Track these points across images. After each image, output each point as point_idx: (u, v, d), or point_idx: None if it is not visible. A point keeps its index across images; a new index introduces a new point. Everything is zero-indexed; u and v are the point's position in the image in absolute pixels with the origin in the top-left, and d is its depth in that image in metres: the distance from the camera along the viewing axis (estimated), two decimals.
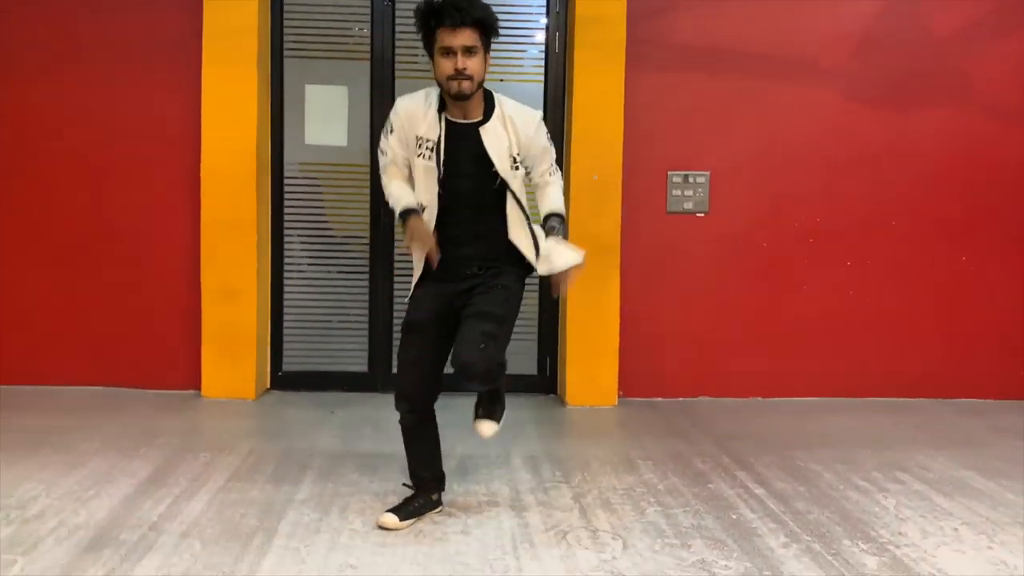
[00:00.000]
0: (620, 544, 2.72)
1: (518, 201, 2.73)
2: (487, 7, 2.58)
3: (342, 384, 4.65)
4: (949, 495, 3.24)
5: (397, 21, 4.55)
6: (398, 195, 2.71)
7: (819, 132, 4.65)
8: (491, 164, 2.65)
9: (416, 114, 2.67)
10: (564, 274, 2.68)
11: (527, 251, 2.75)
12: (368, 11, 4.55)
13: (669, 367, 4.66)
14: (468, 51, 2.55)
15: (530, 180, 2.81)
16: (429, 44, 2.61)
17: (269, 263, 4.59)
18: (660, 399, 4.64)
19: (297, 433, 3.88)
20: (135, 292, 4.50)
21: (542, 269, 2.72)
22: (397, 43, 4.56)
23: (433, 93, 2.70)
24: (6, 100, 4.43)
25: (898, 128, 4.68)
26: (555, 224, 2.73)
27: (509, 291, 2.73)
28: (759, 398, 4.69)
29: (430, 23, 2.56)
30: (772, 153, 4.64)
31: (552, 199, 2.78)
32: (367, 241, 4.64)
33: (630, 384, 4.60)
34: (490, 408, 2.83)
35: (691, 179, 4.63)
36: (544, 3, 4.60)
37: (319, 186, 4.67)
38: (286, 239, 4.64)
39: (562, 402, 4.55)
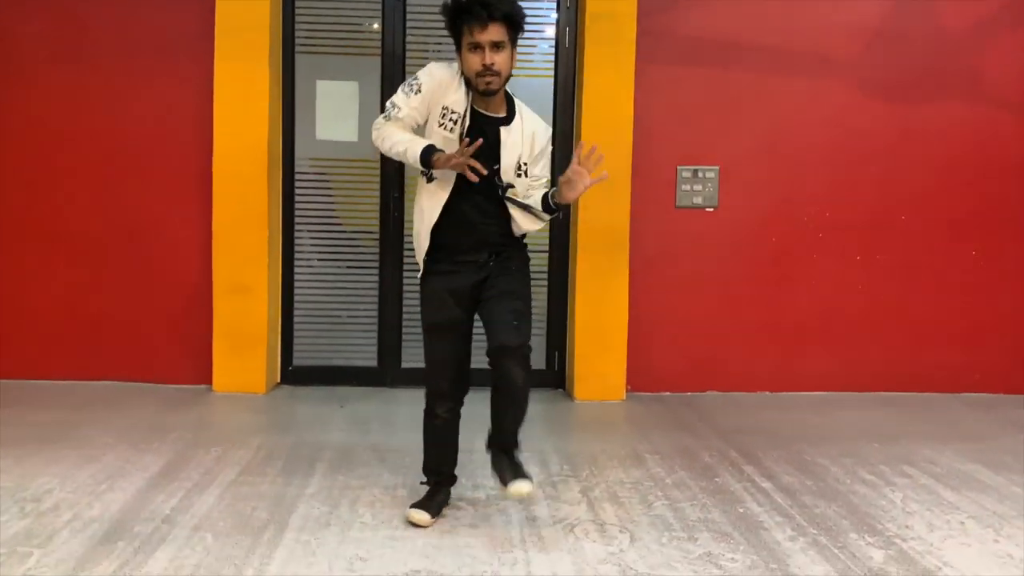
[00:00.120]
0: (627, 537, 2.74)
1: (516, 202, 2.72)
2: (514, 3, 2.58)
3: (352, 379, 4.68)
4: (956, 489, 3.24)
5: (408, 16, 4.57)
6: (408, 139, 2.64)
7: (829, 127, 4.64)
8: (497, 161, 2.66)
9: (449, 83, 2.64)
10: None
11: (537, 212, 2.72)
12: (379, 6, 4.57)
13: (677, 362, 4.67)
14: (496, 46, 2.55)
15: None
16: (457, 39, 2.60)
17: (280, 258, 4.62)
18: (668, 393, 4.66)
19: (307, 427, 3.91)
20: (147, 287, 4.54)
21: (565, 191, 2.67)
22: (408, 39, 4.58)
23: (459, 67, 2.67)
24: (17, 95, 4.47)
25: (908, 123, 4.67)
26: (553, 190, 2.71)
27: (523, 273, 2.77)
28: (767, 393, 4.70)
29: (459, 18, 2.57)
30: (782, 148, 4.64)
31: (543, 191, 2.75)
32: (377, 236, 4.66)
33: (638, 379, 4.62)
34: (515, 465, 2.72)
35: (700, 174, 4.63)
36: None
37: (330, 181, 4.70)
38: (297, 234, 4.68)
39: (570, 396, 4.57)
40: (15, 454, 3.38)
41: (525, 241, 2.84)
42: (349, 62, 4.62)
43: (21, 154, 4.50)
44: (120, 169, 4.51)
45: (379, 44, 4.59)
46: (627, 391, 4.58)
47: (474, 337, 2.83)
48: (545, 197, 2.69)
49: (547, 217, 2.74)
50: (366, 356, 4.71)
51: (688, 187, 4.64)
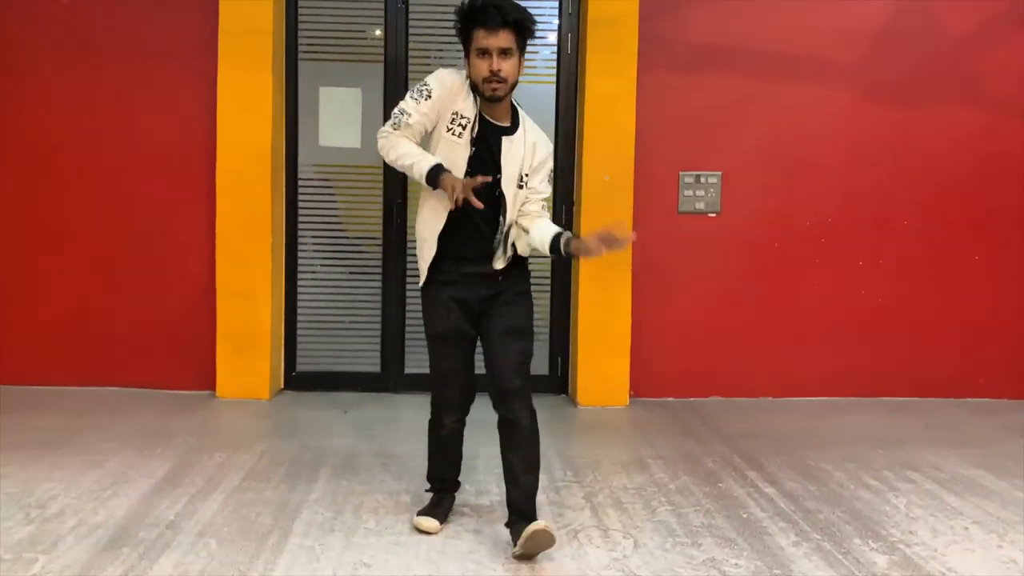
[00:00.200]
0: (631, 543, 2.75)
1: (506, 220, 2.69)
2: (524, 10, 2.59)
3: (355, 384, 4.69)
4: (960, 494, 3.24)
5: (410, 23, 4.58)
6: (416, 152, 2.61)
7: (831, 132, 4.65)
8: (499, 170, 2.66)
9: (459, 89, 2.62)
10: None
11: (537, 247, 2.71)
12: (382, 13, 4.59)
13: (680, 367, 4.67)
14: (504, 53, 2.54)
15: (521, 207, 2.72)
16: (467, 44, 2.60)
17: (283, 264, 4.63)
18: (671, 399, 4.66)
19: (310, 433, 3.92)
20: (150, 293, 4.55)
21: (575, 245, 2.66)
22: (410, 45, 4.60)
23: (467, 74, 2.67)
24: (23, 100, 4.49)
25: (910, 127, 4.67)
26: (569, 234, 2.67)
27: (528, 299, 2.76)
28: (770, 398, 4.70)
29: (469, 23, 2.57)
30: (784, 153, 4.65)
31: (549, 225, 2.69)
32: (380, 242, 4.67)
33: (641, 384, 4.62)
34: (529, 517, 2.65)
35: (703, 179, 4.64)
36: (557, 4, 4.62)
37: (333, 187, 4.71)
38: (300, 240, 4.69)
39: (573, 402, 4.57)
40: (20, 459, 3.39)
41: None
42: (352, 69, 4.64)
43: (25, 158, 4.51)
44: (124, 175, 4.52)
45: (382, 51, 4.61)
46: (630, 396, 4.58)
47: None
48: (556, 241, 2.61)
49: (548, 254, 2.67)
50: (369, 361, 4.72)
51: (690, 192, 4.64)
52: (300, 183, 4.66)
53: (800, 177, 4.66)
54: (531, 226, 2.68)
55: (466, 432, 2.91)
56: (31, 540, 2.66)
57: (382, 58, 4.60)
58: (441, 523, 2.82)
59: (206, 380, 4.52)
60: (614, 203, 4.45)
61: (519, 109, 2.73)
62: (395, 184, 4.62)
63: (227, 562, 2.54)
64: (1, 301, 4.54)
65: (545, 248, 2.64)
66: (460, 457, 2.94)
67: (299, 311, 4.70)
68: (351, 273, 4.72)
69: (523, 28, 2.57)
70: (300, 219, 4.67)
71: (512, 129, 2.68)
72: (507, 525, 2.68)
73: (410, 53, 4.60)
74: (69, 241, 4.54)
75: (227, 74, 4.37)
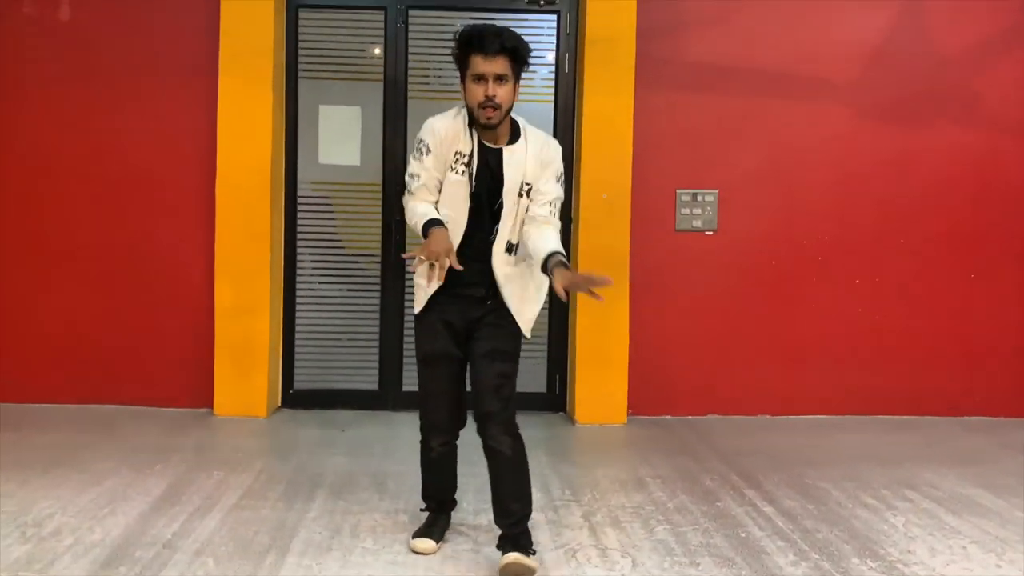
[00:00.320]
0: (629, 562, 2.74)
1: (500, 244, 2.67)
2: (520, 38, 2.62)
3: (352, 402, 4.68)
4: (958, 513, 3.24)
5: (410, 42, 4.62)
6: (423, 211, 2.65)
7: (827, 150, 4.68)
8: (500, 183, 2.67)
9: (455, 131, 2.66)
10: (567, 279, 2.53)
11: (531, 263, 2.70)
12: (381, 32, 4.62)
13: (678, 385, 4.68)
14: (499, 79, 2.57)
15: (527, 212, 2.68)
16: (463, 69, 2.63)
17: (282, 281, 4.64)
18: (669, 417, 4.66)
19: (308, 451, 3.91)
20: (149, 310, 4.55)
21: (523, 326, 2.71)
22: (410, 64, 4.63)
23: (462, 110, 2.70)
24: (23, 117, 4.51)
25: (906, 146, 4.71)
26: (560, 259, 2.56)
27: (516, 326, 2.72)
28: (768, 415, 4.70)
29: (465, 50, 2.60)
30: (780, 171, 4.67)
31: (553, 239, 2.62)
32: (378, 259, 4.69)
33: (639, 402, 4.62)
34: (523, 541, 2.63)
35: (700, 197, 4.66)
36: (554, 24, 4.66)
37: (331, 205, 4.73)
38: (299, 257, 4.70)
39: (571, 420, 4.57)
40: (17, 478, 3.38)
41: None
42: (351, 87, 4.67)
43: (25, 175, 4.53)
44: (124, 192, 4.54)
45: (381, 70, 4.64)
46: (628, 414, 4.58)
47: None
48: (547, 260, 2.56)
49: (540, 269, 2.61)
50: (367, 379, 4.72)
51: (687, 210, 4.67)
52: (299, 200, 4.68)
53: (797, 195, 4.68)
54: (533, 234, 2.63)
55: (463, 450, 2.90)
56: (27, 559, 2.65)
57: (382, 77, 4.64)
58: (437, 543, 2.81)
59: (204, 398, 4.52)
60: (612, 221, 4.47)
61: (519, 122, 2.73)
62: (394, 201, 4.63)
63: None
64: (0, 318, 4.55)
65: (538, 263, 2.60)
66: (454, 477, 2.93)
67: (297, 328, 4.70)
68: (349, 291, 4.73)
69: (518, 56, 2.61)
70: (299, 236, 4.69)
71: (513, 141, 2.70)
72: (499, 548, 2.67)
73: (410, 72, 4.63)
74: (68, 258, 4.55)
75: (228, 92, 4.40)
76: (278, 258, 4.60)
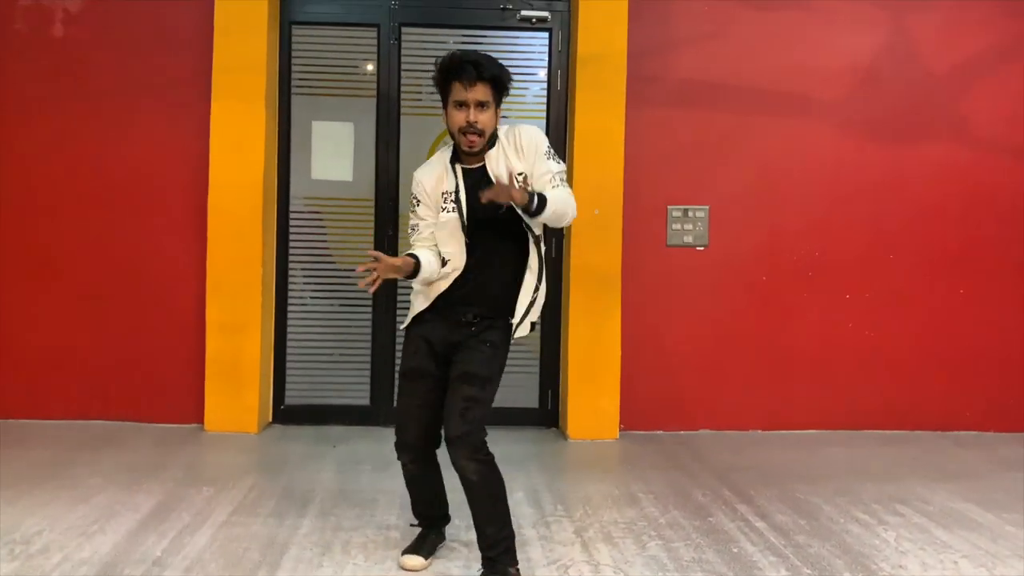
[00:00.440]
0: None
1: (535, 238, 2.69)
2: (502, 66, 2.67)
3: (344, 418, 4.67)
4: (949, 528, 3.25)
5: (403, 59, 4.65)
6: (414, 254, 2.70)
7: (817, 167, 4.72)
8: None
9: (436, 175, 2.74)
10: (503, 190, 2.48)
11: (520, 307, 2.71)
12: (374, 49, 4.65)
13: (670, 400, 4.68)
14: (480, 105, 2.61)
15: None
16: (445, 96, 2.67)
17: (273, 296, 4.64)
18: (661, 432, 4.66)
19: (299, 467, 3.89)
20: (140, 326, 4.54)
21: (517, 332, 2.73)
22: (403, 81, 4.66)
23: (446, 151, 2.78)
24: (14, 135, 4.51)
25: (895, 162, 4.75)
26: (539, 197, 2.54)
27: (496, 348, 2.69)
28: (759, 431, 4.71)
29: (447, 77, 2.64)
30: (771, 187, 4.70)
31: (548, 191, 2.61)
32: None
33: (631, 417, 4.62)
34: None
35: (691, 213, 4.69)
36: (546, 42, 4.69)
37: (324, 220, 4.73)
38: (291, 273, 4.70)
39: (564, 435, 4.57)
40: (6, 495, 3.35)
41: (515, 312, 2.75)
42: (344, 103, 4.69)
43: (16, 192, 4.52)
44: (115, 207, 4.53)
45: (374, 86, 4.66)
46: (620, 430, 4.58)
47: None
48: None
49: (532, 219, 2.60)
50: (359, 395, 4.70)
51: (678, 226, 4.69)
52: (292, 216, 4.69)
53: (787, 211, 4.71)
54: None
55: (446, 464, 2.89)
56: None
57: (375, 93, 4.66)
58: (426, 559, 2.80)
59: (194, 414, 4.50)
60: (604, 237, 4.48)
61: (497, 130, 2.74)
62: (387, 217, 4.65)
63: None
64: None
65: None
66: (435, 495, 2.91)
67: (289, 344, 4.69)
68: (341, 306, 4.73)
69: (499, 83, 2.65)
70: (291, 252, 4.69)
71: (490, 148, 2.71)
72: (482, 566, 2.66)
73: (402, 88, 4.66)
74: (59, 274, 4.53)
75: (220, 108, 4.41)
76: (270, 273, 4.60)
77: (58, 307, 4.54)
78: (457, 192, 2.69)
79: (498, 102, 2.68)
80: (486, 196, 2.50)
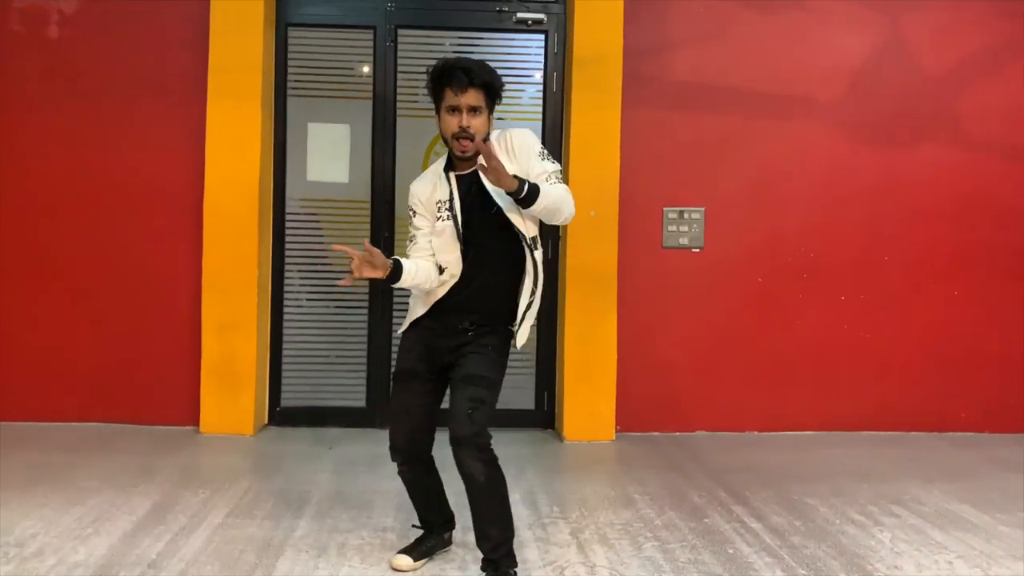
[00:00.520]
0: None
1: (528, 243, 2.68)
2: (494, 72, 2.68)
3: (340, 419, 4.66)
4: (944, 528, 3.26)
5: (399, 60, 4.65)
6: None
7: (813, 169, 4.73)
8: (492, 202, 2.68)
9: (430, 186, 2.75)
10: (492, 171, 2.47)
11: (519, 313, 2.71)
12: (370, 51, 4.65)
13: (666, 402, 4.69)
14: (473, 110, 2.63)
15: None
16: (438, 102, 2.69)
17: (269, 298, 4.63)
18: (657, 433, 4.67)
19: (295, 469, 3.89)
20: (136, 327, 4.53)
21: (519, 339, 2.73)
22: (399, 82, 4.66)
23: (440, 161, 2.79)
24: (9, 135, 4.50)
25: (890, 165, 4.76)
26: (529, 186, 2.53)
27: (497, 352, 2.70)
28: (755, 432, 4.71)
29: (440, 83, 2.65)
30: (766, 189, 4.71)
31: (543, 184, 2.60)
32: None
33: (627, 419, 4.63)
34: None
35: (686, 215, 4.69)
36: (542, 43, 4.70)
37: (320, 222, 4.73)
38: (286, 274, 4.69)
39: (560, 437, 4.57)
40: (0, 497, 3.35)
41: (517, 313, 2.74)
42: (340, 105, 4.69)
43: (12, 193, 4.51)
44: (110, 208, 4.53)
45: (370, 87, 4.66)
46: (616, 431, 4.58)
47: None
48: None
49: (524, 209, 2.58)
50: (355, 397, 4.70)
51: (674, 228, 4.70)
52: (287, 217, 4.68)
53: (782, 213, 4.72)
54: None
55: (451, 470, 2.89)
56: None
57: (371, 95, 4.66)
58: (416, 560, 2.80)
59: (190, 415, 4.50)
60: (600, 238, 4.49)
61: (489, 134, 2.74)
62: (383, 218, 4.64)
63: None
64: None
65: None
66: (433, 500, 2.90)
67: (284, 346, 4.69)
68: (337, 308, 4.72)
69: (491, 89, 2.66)
70: (287, 254, 4.69)
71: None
72: (483, 571, 2.65)
73: (398, 90, 4.66)
74: (54, 276, 4.52)
75: (216, 109, 4.41)
76: (266, 275, 4.59)
77: (52, 308, 4.53)
78: (451, 200, 2.70)
79: (490, 108, 2.69)
80: (481, 166, 2.47)
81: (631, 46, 4.55)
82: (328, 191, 4.68)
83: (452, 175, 2.73)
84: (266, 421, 4.66)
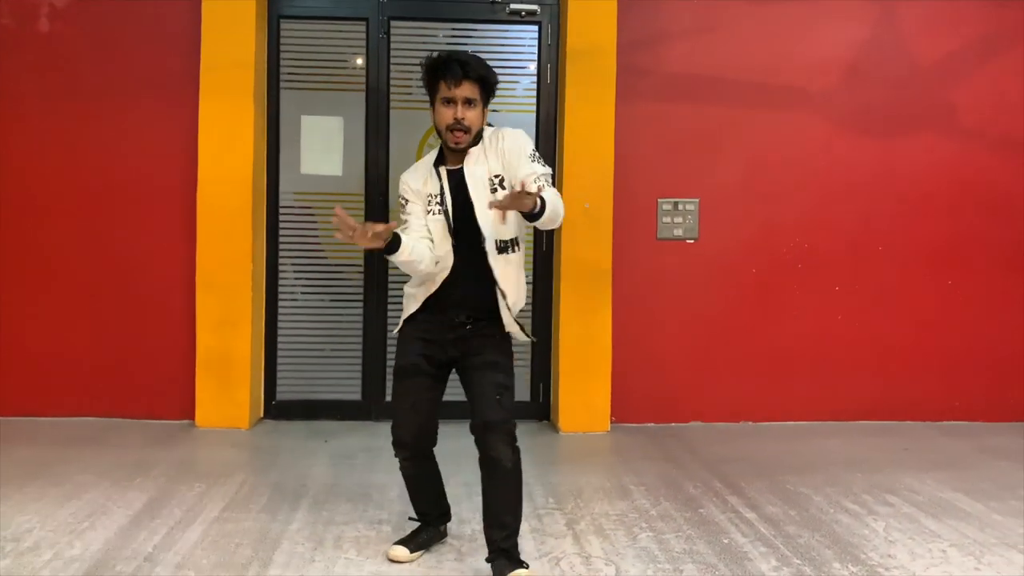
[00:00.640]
0: (613, 570, 2.75)
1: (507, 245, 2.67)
2: (489, 67, 2.69)
3: (336, 413, 4.67)
4: (938, 517, 3.27)
5: (392, 52, 4.64)
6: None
7: (807, 160, 4.73)
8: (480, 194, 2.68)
9: (421, 177, 2.75)
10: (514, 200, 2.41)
11: (510, 301, 2.70)
12: (363, 43, 4.63)
13: (661, 392, 4.70)
14: (468, 102, 2.63)
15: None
16: (432, 94, 2.68)
17: (264, 292, 4.63)
18: (652, 424, 4.68)
19: (291, 463, 3.89)
20: (130, 322, 4.53)
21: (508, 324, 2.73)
22: (392, 74, 4.64)
23: (432, 155, 2.79)
24: (4, 134, 4.48)
25: (885, 155, 4.76)
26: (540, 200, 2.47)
27: (506, 341, 2.73)
28: (750, 422, 4.73)
29: (435, 75, 2.65)
30: (761, 180, 4.72)
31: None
32: (361, 270, 4.68)
33: (623, 410, 4.63)
34: (516, 563, 2.61)
35: (681, 206, 4.70)
36: (536, 35, 4.69)
37: (314, 215, 4.72)
38: (281, 268, 4.69)
39: (555, 428, 4.58)
40: None
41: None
42: (334, 97, 4.67)
43: (6, 191, 4.49)
44: (105, 204, 4.51)
45: (363, 80, 4.65)
46: (612, 422, 4.59)
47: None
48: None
49: (532, 223, 2.55)
50: (350, 390, 4.70)
51: (669, 219, 4.70)
52: (281, 211, 4.67)
53: (776, 204, 4.72)
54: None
55: (446, 459, 2.90)
56: (5, 574, 2.61)
57: (364, 87, 4.64)
58: (412, 552, 2.81)
59: (186, 410, 4.49)
60: (594, 231, 4.49)
61: (485, 130, 2.74)
62: (377, 210, 4.64)
63: None
64: None
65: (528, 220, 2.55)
66: (433, 493, 2.92)
67: (279, 339, 4.68)
68: (332, 301, 4.72)
69: (486, 82, 2.66)
70: (281, 247, 4.68)
71: (475, 144, 2.71)
72: (488, 561, 2.66)
73: (392, 82, 4.65)
74: (48, 272, 4.51)
75: (209, 103, 4.39)
76: (260, 269, 4.58)
77: (47, 304, 4.51)
78: (442, 194, 2.70)
79: (485, 101, 2.70)
80: (493, 205, 2.44)
81: (625, 37, 4.54)
82: (322, 184, 4.67)
83: (443, 170, 2.73)
84: (261, 415, 4.66)
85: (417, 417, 2.75)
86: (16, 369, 4.51)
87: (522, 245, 2.74)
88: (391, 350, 4.62)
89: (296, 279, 4.72)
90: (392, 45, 4.64)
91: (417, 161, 2.92)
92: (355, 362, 4.70)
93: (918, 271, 4.79)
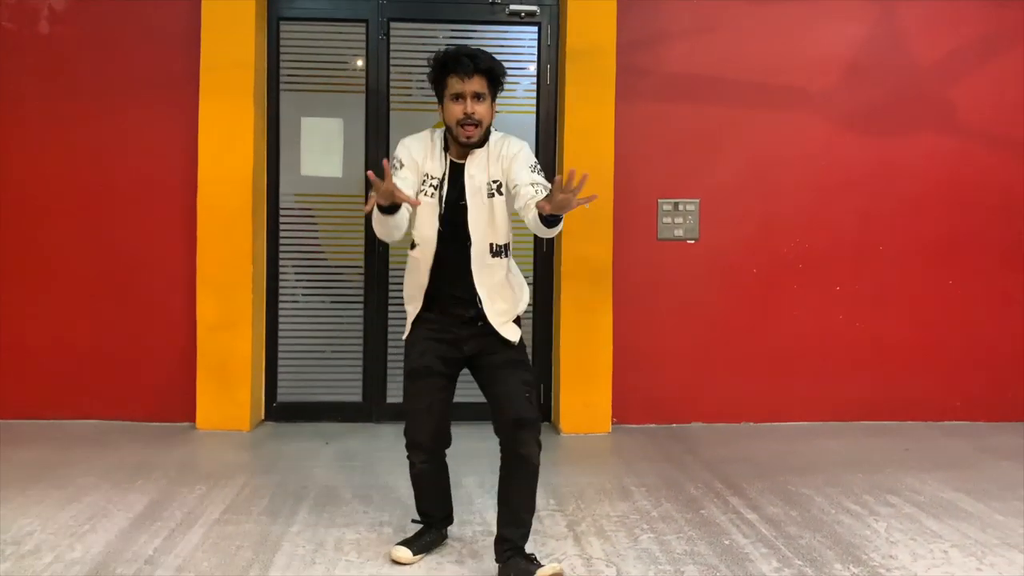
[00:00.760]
0: (614, 571, 2.74)
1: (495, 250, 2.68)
2: (497, 60, 2.69)
3: (336, 414, 4.66)
4: (939, 518, 3.27)
5: (392, 54, 4.63)
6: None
7: (807, 159, 4.73)
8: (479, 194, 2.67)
9: (425, 149, 2.72)
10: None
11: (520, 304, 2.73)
12: (363, 44, 4.63)
13: (662, 393, 4.69)
14: (477, 97, 2.63)
15: (515, 206, 2.64)
16: (440, 91, 2.68)
17: (264, 294, 4.62)
18: (653, 425, 4.67)
19: (291, 465, 3.89)
20: (131, 325, 4.52)
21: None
22: (392, 76, 4.64)
23: (437, 133, 2.76)
24: (4, 135, 4.48)
25: (884, 154, 4.76)
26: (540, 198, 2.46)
27: (521, 341, 2.74)
28: (751, 423, 4.72)
29: (443, 71, 2.65)
30: (761, 180, 4.71)
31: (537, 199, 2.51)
32: (362, 271, 4.68)
33: (623, 411, 4.63)
34: (531, 563, 2.63)
35: (681, 206, 4.69)
36: (535, 36, 4.69)
37: (314, 217, 4.72)
38: (281, 270, 4.68)
39: (556, 430, 4.58)
40: None
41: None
42: (333, 99, 4.67)
43: (6, 193, 4.49)
44: (105, 204, 4.51)
45: (363, 81, 4.65)
46: (613, 423, 4.59)
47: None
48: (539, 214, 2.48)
49: (546, 229, 2.53)
50: (351, 391, 4.70)
51: (669, 219, 4.70)
52: (281, 213, 4.67)
53: (777, 203, 4.72)
54: (529, 213, 2.54)
55: (449, 461, 2.90)
56: None
57: (364, 89, 4.64)
58: (416, 554, 2.80)
59: (187, 412, 4.49)
60: (595, 231, 4.49)
61: (492, 132, 2.74)
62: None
63: None
64: None
65: (539, 225, 2.52)
66: (441, 495, 2.92)
67: (280, 341, 4.68)
68: (333, 303, 4.72)
69: (494, 76, 2.67)
70: (281, 249, 4.68)
71: (479, 146, 2.71)
72: (500, 562, 2.65)
73: (391, 83, 4.65)
74: (47, 273, 4.51)
75: (209, 105, 4.39)
76: (260, 271, 4.58)
77: (48, 306, 4.51)
78: (443, 181, 2.68)
79: (494, 95, 2.70)
80: (548, 209, 2.39)
81: (624, 38, 4.54)
82: (322, 186, 4.67)
83: (449, 158, 2.71)
84: (262, 417, 4.66)
85: (433, 419, 2.75)
86: (16, 371, 4.51)
87: (510, 253, 2.74)
88: (392, 352, 4.63)
89: (297, 280, 4.72)
90: (392, 47, 4.64)
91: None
92: (356, 364, 4.69)
93: (918, 270, 4.79)
